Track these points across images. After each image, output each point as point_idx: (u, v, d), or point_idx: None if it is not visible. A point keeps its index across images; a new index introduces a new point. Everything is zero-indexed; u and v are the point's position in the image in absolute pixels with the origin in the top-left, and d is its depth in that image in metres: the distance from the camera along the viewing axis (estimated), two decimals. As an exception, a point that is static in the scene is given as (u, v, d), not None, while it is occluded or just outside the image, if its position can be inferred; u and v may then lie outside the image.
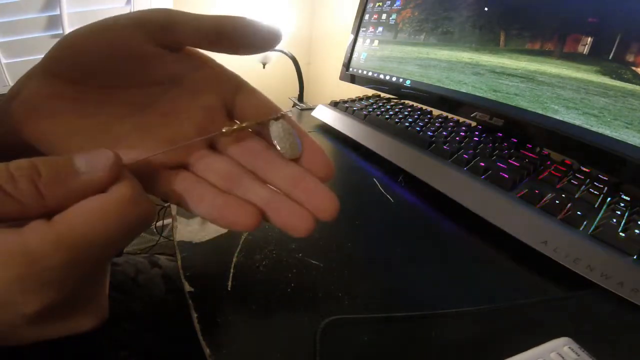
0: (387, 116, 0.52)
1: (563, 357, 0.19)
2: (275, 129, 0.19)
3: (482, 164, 0.36)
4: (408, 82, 0.57)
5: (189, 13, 0.17)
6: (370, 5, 0.66)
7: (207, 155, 0.19)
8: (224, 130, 0.18)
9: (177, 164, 0.18)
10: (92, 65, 0.16)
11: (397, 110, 0.55)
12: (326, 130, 0.58)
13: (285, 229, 0.17)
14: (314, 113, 0.62)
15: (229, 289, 0.24)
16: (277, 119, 0.19)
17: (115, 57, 0.16)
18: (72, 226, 0.12)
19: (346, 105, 0.58)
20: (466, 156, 0.37)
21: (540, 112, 0.40)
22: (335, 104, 0.60)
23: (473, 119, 0.47)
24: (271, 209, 0.17)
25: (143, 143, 0.18)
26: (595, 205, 0.31)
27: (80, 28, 0.16)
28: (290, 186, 0.18)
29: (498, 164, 0.36)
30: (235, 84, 0.20)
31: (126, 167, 0.15)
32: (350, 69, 0.69)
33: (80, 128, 0.17)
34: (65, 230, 0.12)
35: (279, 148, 0.18)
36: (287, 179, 0.18)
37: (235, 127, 0.18)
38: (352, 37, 0.70)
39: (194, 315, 0.22)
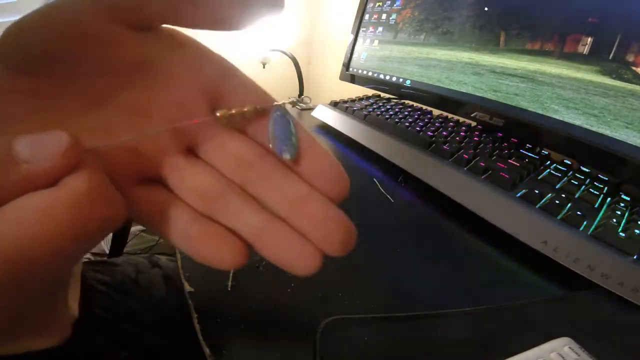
0: (387, 116, 0.52)
1: (563, 357, 0.19)
2: (275, 122, 0.15)
3: (482, 164, 0.36)
4: (408, 82, 0.57)
5: None
6: (370, 5, 0.66)
7: (183, 164, 0.15)
8: (217, 115, 0.14)
9: (145, 176, 0.14)
10: (44, 52, 0.13)
11: (397, 110, 0.55)
12: (326, 130, 0.58)
13: (281, 267, 0.14)
14: (314, 113, 0.62)
15: (229, 289, 0.24)
16: (280, 107, 0.15)
17: (69, 41, 0.13)
18: (4, 232, 0.09)
19: (346, 105, 0.58)
20: (466, 156, 0.37)
21: (540, 112, 0.40)
22: (335, 104, 0.60)
23: (473, 119, 0.47)
24: (263, 241, 0.14)
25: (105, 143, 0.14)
26: (596, 205, 0.31)
27: (31, 12, 0.13)
28: (291, 209, 0.14)
29: (498, 164, 0.36)
30: (220, 70, 0.15)
31: (91, 154, 0.12)
32: (350, 69, 0.69)
33: (31, 125, 0.14)
34: None
35: (278, 150, 0.15)
36: (288, 199, 0.14)
37: (233, 111, 0.14)
38: (352, 37, 0.70)
39: (194, 315, 0.22)
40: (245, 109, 0.15)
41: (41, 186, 0.10)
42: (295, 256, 0.13)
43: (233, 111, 0.14)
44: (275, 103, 0.15)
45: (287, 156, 0.14)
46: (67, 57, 0.13)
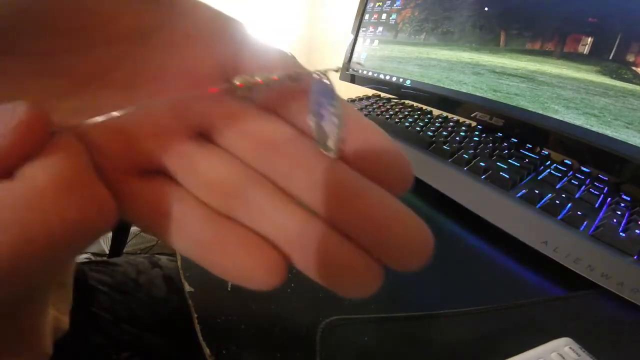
0: (387, 116, 0.52)
1: (564, 357, 0.19)
2: (316, 98, 0.11)
3: (482, 164, 0.36)
4: (408, 82, 0.57)
5: None
6: (370, 5, 0.66)
7: (193, 149, 0.11)
8: (237, 84, 0.11)
9: (145, 165, 0.11)
10: (14, 24, 0.10)
11: (397, 110, 0.55)
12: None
13: (330, 288, 0.10)
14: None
15: (229, 289, 0.24)
16: (322, 76, 0.11)
17: (43, 8, 0.10)
18: None
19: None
20: (466, 156, 0.37)
21: (540, 112, 0.40)
22: (335, 104, 0.60)
23: (473, 119, 0.47)
24: (302, 251, 0.10)
25: (92, 130, 0.11)
26: (596, 206, 0.31)
27: None
28: (339, 206, 0.10)
29: (498, 164, 0.36)
30: (239, 39, 0.12)
31: (69, 135, 0.09)
32: (350, 69, 0.69)
33: None
34: None
35: (325, 138, 0.11)
36: (332, 193, 0.10)
37: (258, 79, 0.11)
38: (352, 37, 0.70)
39: (194, 315, 0.22)
40: (274, 77, 0.11)
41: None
42: (351, 274, 0.10)
43: (257, 79, 0.11)
44: (316, 71, 0.11)
45: (330, 145, 0.10)
46: (45, 29, 0.10)
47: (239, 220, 0.11)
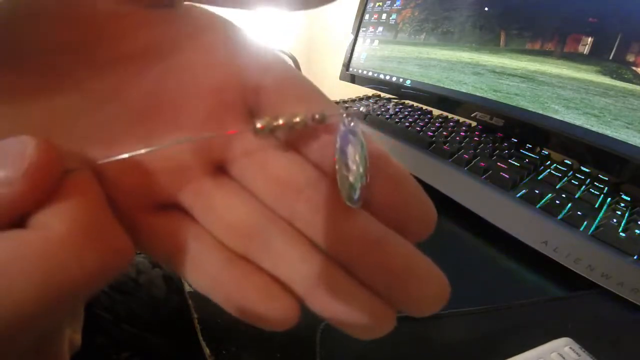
0: (387, 116, 0.52)
1: (564, 358, 0.19)
2: (342, 144, 0.10)
3: (483, 164, 0.36)
4: (408, 82, 0.57)
5: None
6: (370, 5, 0.66)
7: (211, 187, 0.11)
8: (258, 127, 0.10)
9: (161, 201, 0.11)
10: (23, 38, 0.10)
11: (397, 110, 0.55)
12: (326, 130, 0.58)
13: (345, 330, 0.10)
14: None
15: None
16: (350, 119, 0.11)
17: (52, 22, 0.10)
18: None
19: (346, 105, 0.58)
20: (466, 156, 0.37)
21: (540, 112, 0.40)
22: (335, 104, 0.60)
23: (473, 119, 0.47)
24: (319, 296, 0.10)
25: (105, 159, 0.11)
26: (596, 206, 0.31)
27: None
28: (358, 254, 0.10)
29: (498, 164, 0.36)
30: (262, 61, 0.12)
31: (84, 170, 0.09)
32: (350, 69, 0.69)
33: (16, 130, 0.09)
34: None
35: (348, 186, 0.10)
36: (352, 240, 0.10)
37: (280, 122, 0.10)
38: (352, 37, 0.70)
39: (194, 315, 0.22)
40: (297, 119, 0.10)
41: (3, 218, 0.07)
42: (365, 319, 0.10)
43: (280, 121, 0.10)
44: (343, 112, 0.11)
45: (353, 196, 0.10)
46: (58, 44, 0.10)
47: (255, 260, 0.11)
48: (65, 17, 0.10)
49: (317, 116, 0.10)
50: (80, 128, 0.10)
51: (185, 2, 0.11)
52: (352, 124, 0.11)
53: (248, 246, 0.11)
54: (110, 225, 0.09)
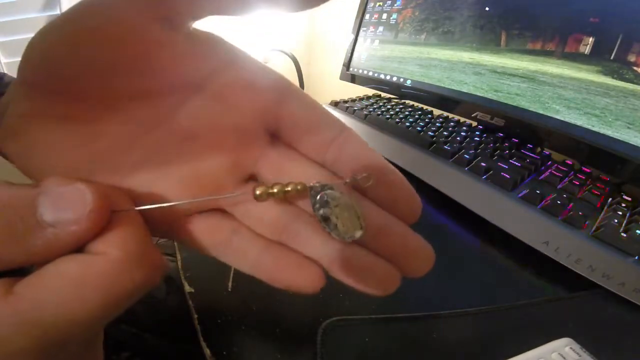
0: (387, 116, 0.51)
1: (564, 358, 0.19)
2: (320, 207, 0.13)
3: (483, 164, 0.36)
4: (409, 82, 0.57)
5: None
6: (370, 4, 0.66)
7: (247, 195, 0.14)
8: (257, 193, 0.13)
9: (207, 208, 0.14)
10: (74, 68, 0.11)
11: (397, 110, 0.55)
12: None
13: (360, 289, 0.14)
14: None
15: (230, 290, 0.24)
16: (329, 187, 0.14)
17: (104, 47, 0.11)
18: (37, 302, 0.09)
19: (347, 105, 0.58)
20: (467, 156, 0.37)
21: (541, 112, 0.40)
22: (335, 104, 0.60)
23: (474, 119, 0.47)
24: (339, 266, 0.13)
25: (157, 180, 0.13)
26: (597, 206, 0.31)
27: (53, 19, 0.11)
28: (369, 240, 0.14)
29: (499, 164, 0.36)
30: (279, 89, 0.14)
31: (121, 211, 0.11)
32: (351, 69, 0.69)
33: (73, 160, 0.12)
34: (28, 308, 0.09)
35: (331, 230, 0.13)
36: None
37: (274, 190, 0.13)
38: (352, 36, 0.69)
39: (195, 316, 0.22)
40: (288, 188, 0.13)
41: (71, 246, 0.10)
42: (376, 279, 0.13)
43: (274, 190, 0.13)
44: (322, 182, 0.14)
45: (355, 235, 0.13)
46: (107, 74, 0.12)
47: (286, 244, 0.14)
48: (116, 37, 0.11)
49: (299, 187, 0.13)
50: (135, 152, 0.13)
51: (208, 36, 0.13)
52: (325, 194, 0.13)
53: (280, 236, 0.14)
54: (151, 250, 0.11)
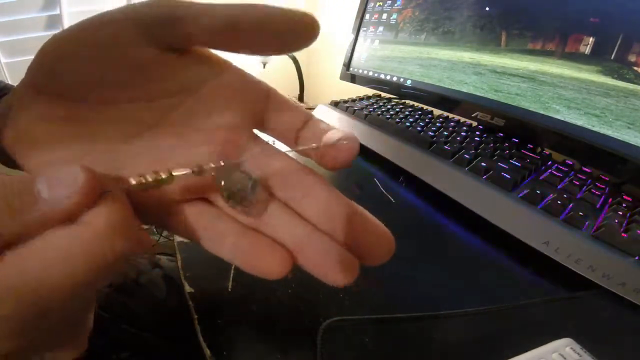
0: (387, 116, 0.51)
1: (565, 358, 0.18)
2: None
3: (484, 164, 0.36)
4: (409, 81, 0.57)
5: (196, 4, 0.14)
6: (370, 4, 0.66)
7: None
8: (133, 182, 0.13)
9: (192, 196, 0.15)
10: (81, 76, 0.14)
11: (397, 110, 0.55)
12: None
13: (318, 276, 0.14)
14: (315, 113, 0.62)
15: (230, 290, 0.24)
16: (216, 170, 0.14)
17: (108, 64, 0.14)
18: (24, 268, 0.10)
19: (347, 105, 0.58)
20: (467, 156, 0.37)
21: (541, 112, 0.40)
22: (335, 104, 0.60)
23: (474, 119, 0.47)
24: (303, 251, 0.14)
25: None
26: (597, 206, 0.31)
27: (64, 30, 0.13)
28: (330, 223, 0.14)
29: (499, 164, 0.36)
30: (264, 94, 0.16)
31: (113, 190, 0.12)
32: (351, 69, 0.69)
33: (77, 155, 0.14)
34: (15, 273, 0.10)
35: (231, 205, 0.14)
36: (327, 214, 0.14)
37: (149, 179, 0.13)
38: (352, 36, 0.69)
39: (195, 316, 0.22)
40: (163, 176, 0.13)
41: (62, 220, 0.11)
42: (333, 266, 0.14)
43: (149, 179, 0.13)
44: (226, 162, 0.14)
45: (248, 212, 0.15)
46: (111, 82, 0.14)
47: (261, 230, 0.15)
48: (114, 59, 0.14)
49: (173, 173, 0.13)
50: (134, 146, 0.15)
51: (198, 49, 0.16)
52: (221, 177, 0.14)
53: (256, 220, 0.15)
54: (133, 223, 0.12)
